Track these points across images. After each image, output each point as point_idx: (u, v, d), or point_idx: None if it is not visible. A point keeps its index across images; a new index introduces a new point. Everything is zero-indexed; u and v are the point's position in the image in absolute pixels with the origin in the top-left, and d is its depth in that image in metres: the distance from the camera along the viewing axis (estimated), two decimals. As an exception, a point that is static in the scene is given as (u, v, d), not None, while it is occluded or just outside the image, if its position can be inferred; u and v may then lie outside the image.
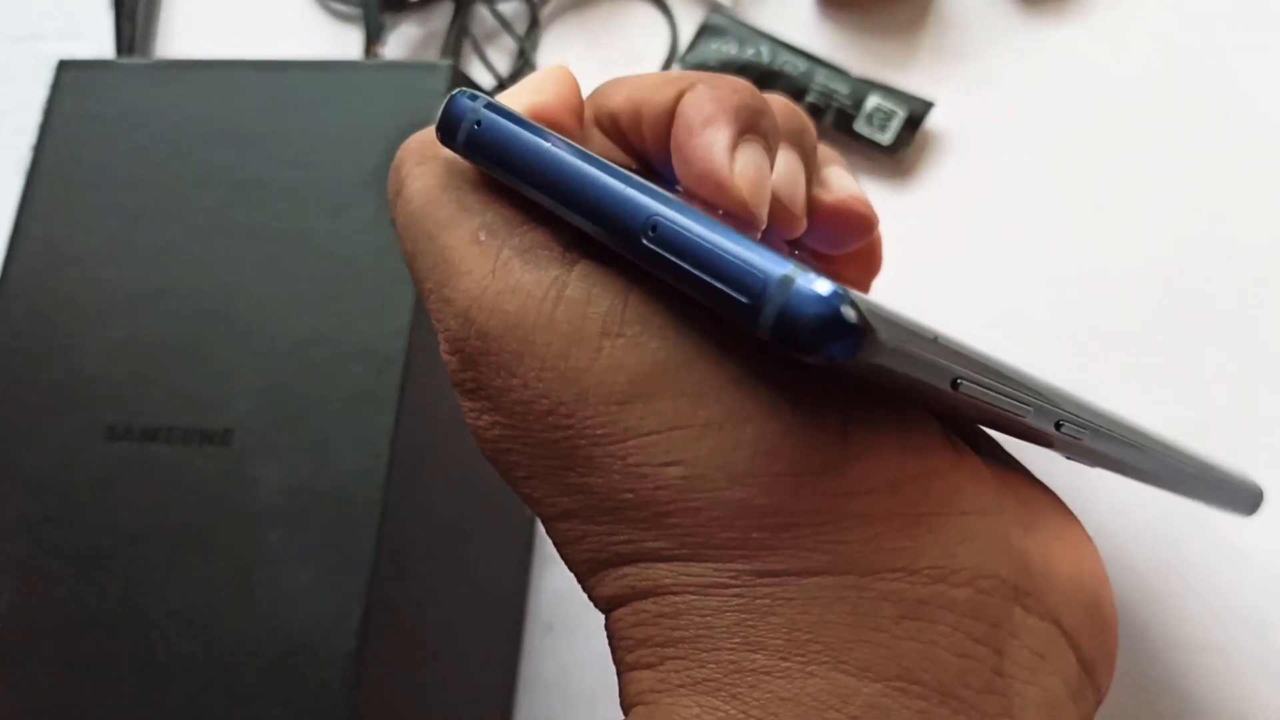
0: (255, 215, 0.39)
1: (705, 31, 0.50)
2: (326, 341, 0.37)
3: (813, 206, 0.26)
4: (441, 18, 0.55)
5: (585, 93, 0.26)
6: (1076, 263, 0.44)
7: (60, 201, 0.40)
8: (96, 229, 0.40)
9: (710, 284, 0.18)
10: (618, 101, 0.24)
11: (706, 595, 0.19)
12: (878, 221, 0.27)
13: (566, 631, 0.44)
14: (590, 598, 0.21)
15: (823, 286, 0.16)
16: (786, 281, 0.17)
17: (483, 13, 0.55)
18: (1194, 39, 0.47)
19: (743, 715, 0.18)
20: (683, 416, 0.19)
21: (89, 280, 0.39)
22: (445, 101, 0.22)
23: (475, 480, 0.40)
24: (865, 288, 0.31)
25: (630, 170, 0.20)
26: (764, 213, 0.22)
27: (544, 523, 0.21)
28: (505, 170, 0.21)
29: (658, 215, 0.18)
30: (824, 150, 0.28)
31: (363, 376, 0.36)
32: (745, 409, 0.19)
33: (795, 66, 0.48)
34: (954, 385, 0.18)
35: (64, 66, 0.43)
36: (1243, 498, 0.30)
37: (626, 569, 0.20)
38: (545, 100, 0.24)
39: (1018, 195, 0.46)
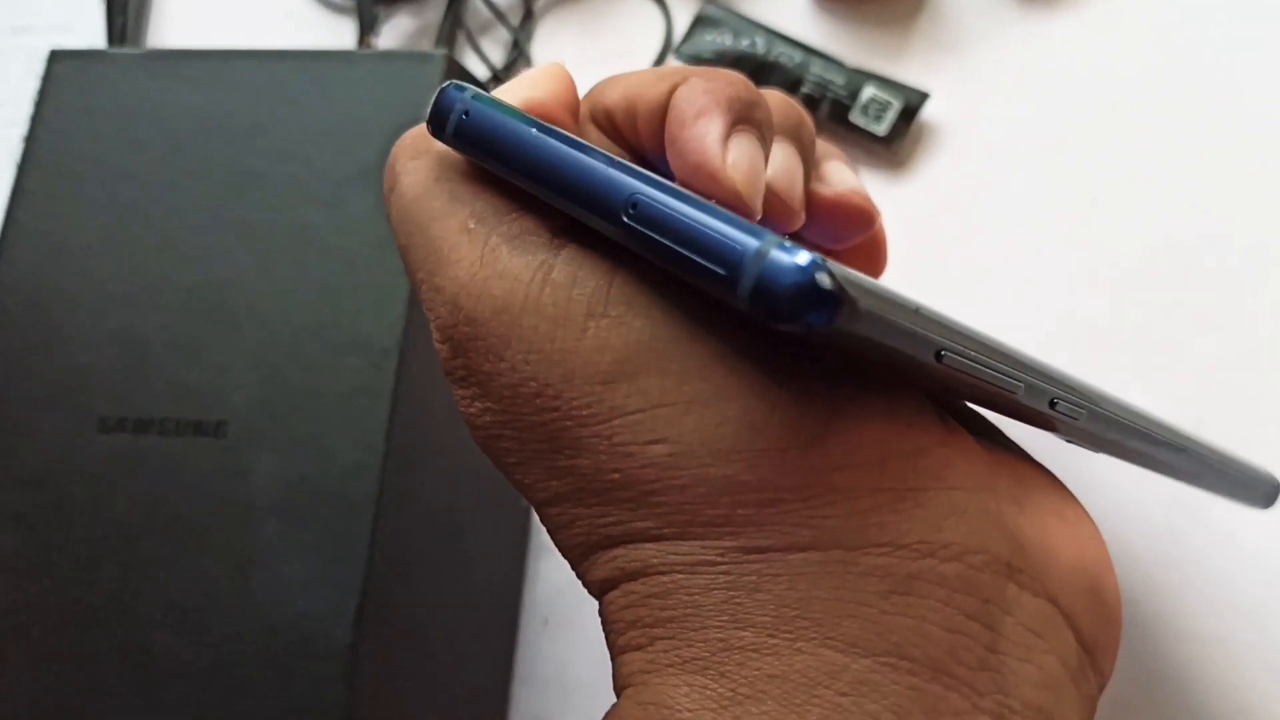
0: (249, 206, 0.39)
1: (700, 22, 0.50)
2: (322, 333, 0.36)
3: (812, 201, 0.26)
4: (435, 9, 0.55)
5: (582, 91, 0.26)
6: (1072, 254, 0.44)
7: (52, 193, 0.40)
8: (89, 220, 0.39)
9: (689, 258, 0.18)
10: (613, 98, 0.25)
11: (694, 574, 0.19)
12: (878, 215, 0.27)
13: (563, 624, 0.44)
14: (584, 584, 0.21)
15: (799, 256, 0.16)
16: (763, 251, 0.17)
17: (476, 4, 0.55)
18: (1190, 31, 0.47)
19: (730, 693, 0.18)
20: (668, 394, 0.19)
21: (81, 271, 0.39)
22: (436, 94, 0.22)
23: (471, 473, 0.40)
24: None
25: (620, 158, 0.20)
26: (758, 203, 0.22)
27: (537, 510, 0.21)
28: (492, 157, 0.21)
29: (638, 193, 0.19)
30: (823, 145, 0.28)
31: (358, 369, 0.36)
32: (730, 386, 0.19)
33: (790, 57, 0.48)
34: (938, 357, 0.18)
35: (56, 57, 0.42)
36: (1260, 489, 0.30)
37: (615, 551, 0.20)
38: (540, 96, 0.24)
39: (1013, 187, 0.46)
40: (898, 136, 0.46)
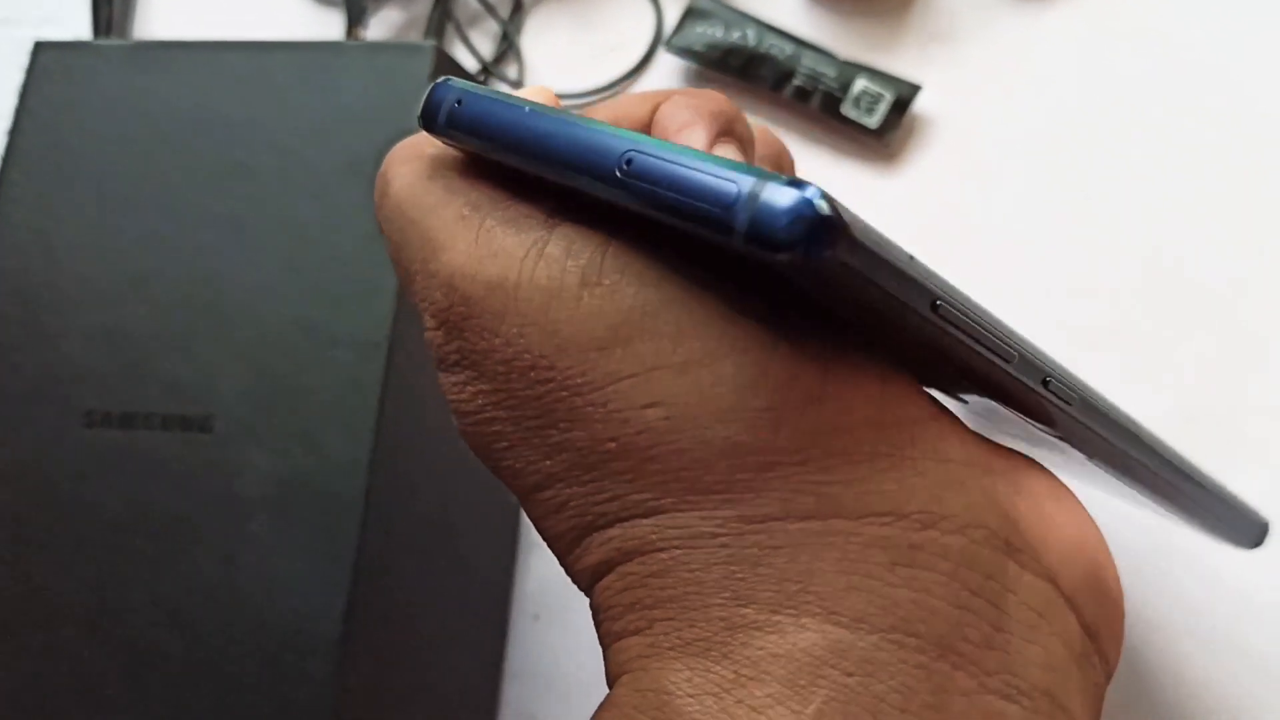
0: (236, 198, 0.38)
1: (691, 14, 0.50)
2: (310, 327, 0.36)
3: None
4: (424, 1, 0.55)
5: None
6: (1063, 248, 0.44)
7: (38, 186, 0.40)
8: (75, 213, 0.39)
9: (685, 201, 0.18)
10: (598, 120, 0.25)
11: (693, 549, 0.19)
12: None
13: (553, 620, 0.44)
14: (573, 575, 0.21)
15: (797, 185, 0.16)
16: (759, 186, 0.17)
17: (466, -4, 0.54)
18: (1183, 25, 0.47)
19: (734, 675, 0.18)
20: (662, 356, 0.19)
21: (67, 265, 0.38)
22: (428, 90, 0.22)
23: (461, 469, 0.40)
24: None
25: None
26: None
27: (526, 499, 0.21)
28: (486, 140, 0.21)
29: (632, 148, 0.19)
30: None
31: (347, 363, 0.36)
32: (724, 346, 0.19)
33: (782, 49, 0.48)
34: (934, 308, 0.18)
35: (41, 48, 0.42)
36: (1247, 527, 0.29)
37: (612, 531, 0.20)
38: None
39: (1005, 180, 0.46)
40: (889, 129, 0.46)
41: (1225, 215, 0.43)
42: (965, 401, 0.24)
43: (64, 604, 0.35)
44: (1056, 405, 0.21)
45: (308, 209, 0.38)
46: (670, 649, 0.19)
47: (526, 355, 0.20)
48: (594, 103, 0.50)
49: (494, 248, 0.21)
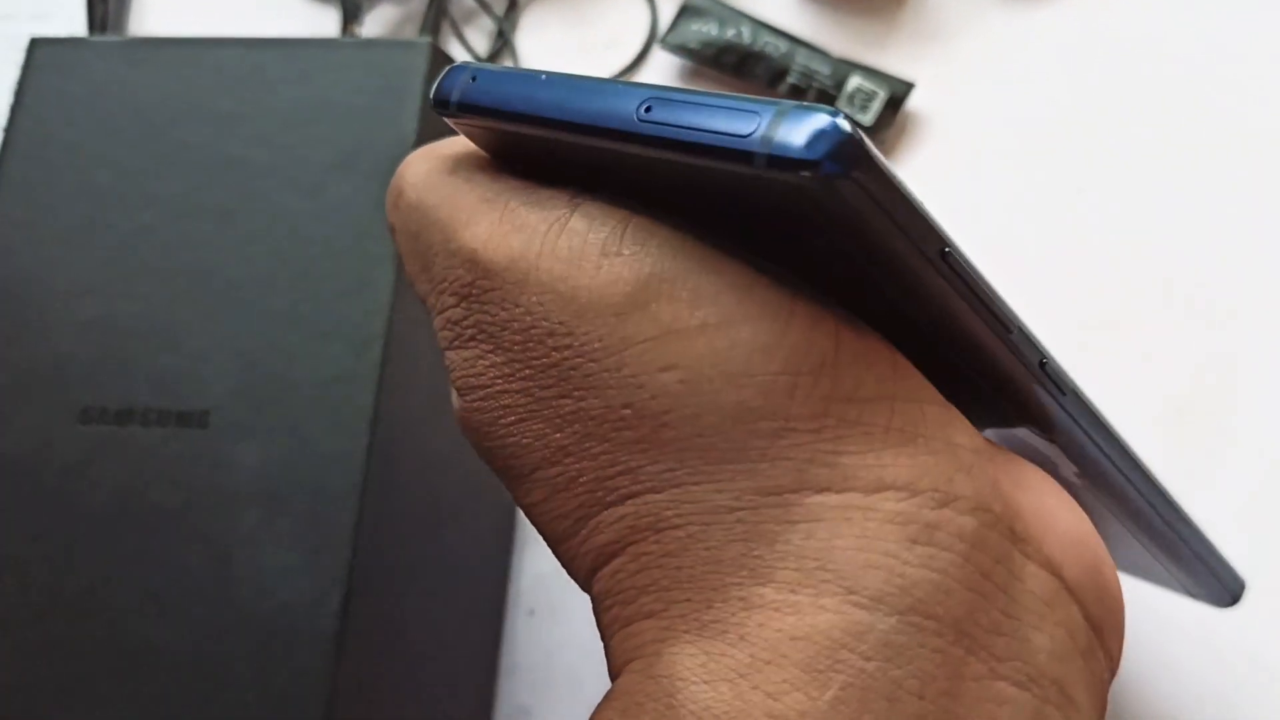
0: (232, 194, 0.38)
1: (686, 12, 0.50)
2: (305, 322, 0.36)
3: None
4: (419, -2, 0.55)
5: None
6: (1055, 245, 0.44)
7: (32, 181, 0.40)
8: (70, 208, 0.39)
9: (707, 135, 0.18)
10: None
11: (710, 525, 0.19)
12: None
13: (548, 615, 0.44)
14: (574, 560, 0.21)
15: (821, 109, 0.17)
16: (782, 110, 0.17)
17: (461, -7, 0.54)
18: (1174, 21, 0.47)
19: (749, 659, 0.18)
20: (679, 318, 0.19)
21: (61, 260, 0.38)
22: (441, 74, 0.22)
23: (456, 463, 0.40)
24: None
25: None
26: None
27: (528, 479, 0.21)
28: (504, 112, 0.21)
29: (651, 96, 0.19)
30: None
31: (342, 357, 0.36)
32: (741, 311, 0.19)
33: (776, 47, 0.48)
34: (943, 255, 0.18)
35: (36, 44, 0.42)
36: (1225, 582, 0.29)
37: (623, 509, 0.19)
38: None
39: (999, 177, 0.46)
40: (883, 126, 0.46)
41: (1216, 212, 0.43)
42: None
43: (58, 598, 0.35)
44: (1051, 394, 0.21)
45: (303, 204, 0.38)
46: (686, 632, 0.18)
47: (545, 322, 0.20)
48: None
49: (518, 223, 0.21)
